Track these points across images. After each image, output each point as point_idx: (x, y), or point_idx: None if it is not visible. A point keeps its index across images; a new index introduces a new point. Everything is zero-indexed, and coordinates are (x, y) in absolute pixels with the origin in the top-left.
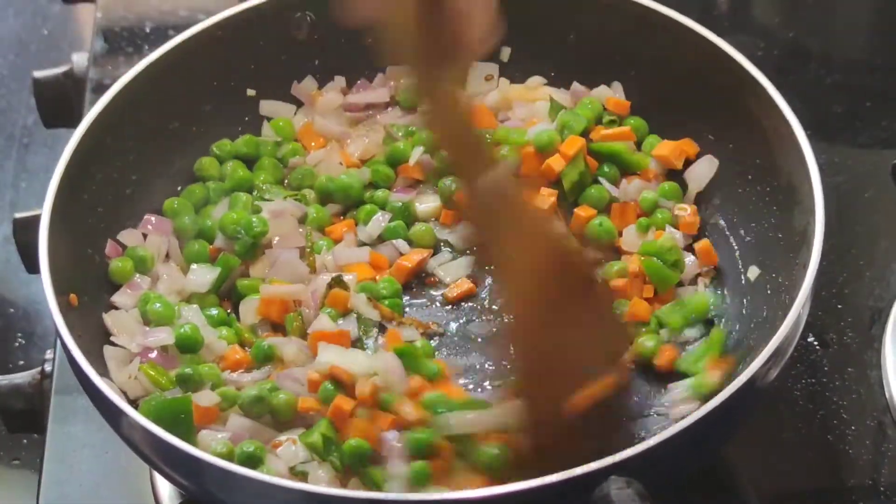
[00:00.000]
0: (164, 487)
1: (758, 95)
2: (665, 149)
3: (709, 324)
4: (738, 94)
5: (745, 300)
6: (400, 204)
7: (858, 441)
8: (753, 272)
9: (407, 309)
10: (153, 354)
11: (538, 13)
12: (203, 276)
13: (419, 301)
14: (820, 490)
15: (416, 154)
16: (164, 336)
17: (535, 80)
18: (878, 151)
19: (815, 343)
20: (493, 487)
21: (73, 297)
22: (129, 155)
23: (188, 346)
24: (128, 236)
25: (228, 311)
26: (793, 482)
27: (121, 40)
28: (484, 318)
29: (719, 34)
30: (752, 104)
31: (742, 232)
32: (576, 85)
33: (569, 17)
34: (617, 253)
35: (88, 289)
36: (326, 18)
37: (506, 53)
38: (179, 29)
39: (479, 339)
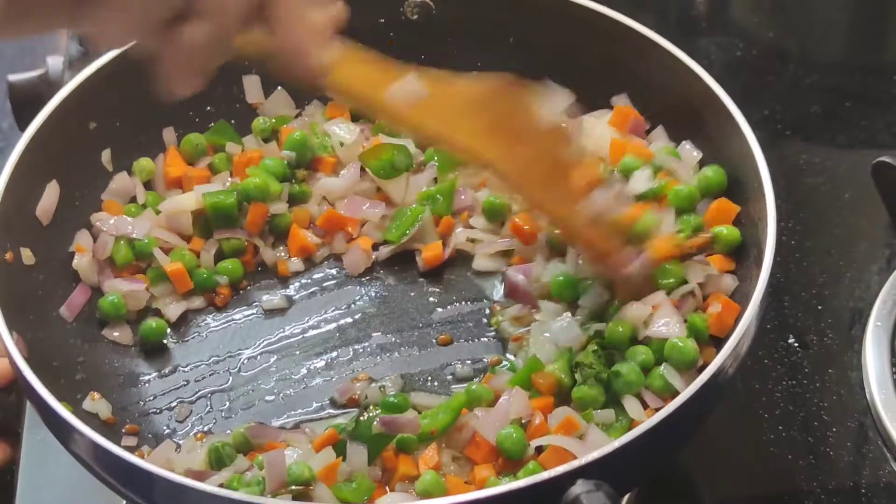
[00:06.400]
0: None
1: (694, 84)
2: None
3: None
4: (670, 80)
5: None
6: None
7: (839, 443)
8: None
9: None
10: None
11: (483, 15)
12: None
13: None
14: (801, 492)
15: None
16: None
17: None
18: (858, 151)
19: (796, 344)
20: (461, 495)
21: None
22: (87, 151)
23: None
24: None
25: None
26: (774, 484)
27: None
28: None
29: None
30: (689, 94)
31: None
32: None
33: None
34: None
35: (40, 296)
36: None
37: None
38: None
39: None
